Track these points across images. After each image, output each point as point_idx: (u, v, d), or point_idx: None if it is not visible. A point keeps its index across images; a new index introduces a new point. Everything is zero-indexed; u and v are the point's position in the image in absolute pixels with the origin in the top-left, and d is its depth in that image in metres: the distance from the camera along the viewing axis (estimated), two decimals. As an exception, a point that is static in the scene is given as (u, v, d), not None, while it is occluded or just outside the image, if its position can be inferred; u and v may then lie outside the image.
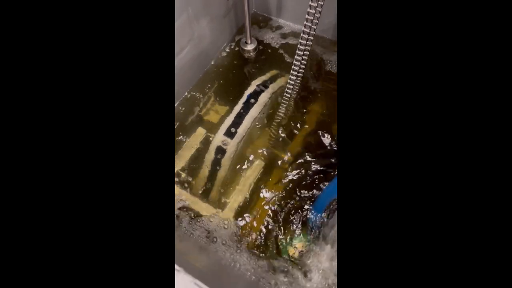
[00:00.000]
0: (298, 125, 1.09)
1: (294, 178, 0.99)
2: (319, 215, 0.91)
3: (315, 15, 0.79)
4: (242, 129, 1.04)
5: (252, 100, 1.11)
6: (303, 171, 1.00)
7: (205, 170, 1.00)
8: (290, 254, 0.87)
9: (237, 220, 0.93)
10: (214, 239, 0.89)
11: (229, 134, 1.02)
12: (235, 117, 1.06)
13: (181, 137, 1.09)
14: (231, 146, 1.00)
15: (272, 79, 1.19)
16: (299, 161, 1.02)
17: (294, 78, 1.00)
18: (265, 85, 1.16)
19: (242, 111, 1.08)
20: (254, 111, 1.08)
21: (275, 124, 1.10)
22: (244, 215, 0.94)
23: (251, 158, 1.04)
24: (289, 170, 1.00)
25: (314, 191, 0.96)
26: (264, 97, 1.11)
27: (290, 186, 0.98)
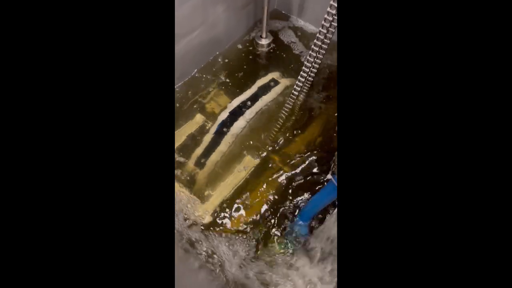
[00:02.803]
0: (298, 131, 1.07)
1: (284, 183, 0.97)
2: (304, 224, 0.88)
3: (332, 23, 0.76)
4: (210, 162, 0.98)
5: (225, 129, 1.03)
6: (295, 176, 0.98)
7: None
8: (264, 260, 0.85)
9: (217, 214, 0.91)
10: (191, 233, 0.88)
11: (199, 164, 0.98)
12: (205, 149, 1.00)
13: (178, 121, 1.08)
14: (200, 177, 0.96)
15: (266, 89, 1.13)
16: (292, 166, 0.99)
17: (303, 80, 0.97)
18: (245, 105, 1.08)
19: (212, 140, 1.01)
20: (224, 144, 1.00)
21: (276, 125, 1.08)
22: (226, 211, 0.92)
23: (243, 155, 1.02)
24: (281, 174, 0.98)
25: (303, 198, 0.94)
26: (237, 127, 1.03)
27: (278, 190, 0.96)
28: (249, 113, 1.08)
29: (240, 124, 1.05)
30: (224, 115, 1.07)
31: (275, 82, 1.17)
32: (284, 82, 1.17)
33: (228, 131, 1.03)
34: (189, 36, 1.02)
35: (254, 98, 1.12)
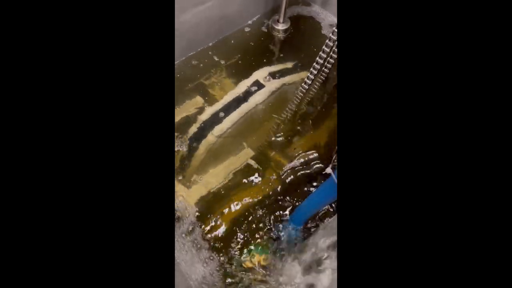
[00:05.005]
0: (304, 130, 0.99)
1: (280, 182, 0.89)
2: (296, 228, 0.80)
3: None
4: (188, 173, 0.91)
5: (195, 144, 0.94)
6: (292, 176, 0.90)
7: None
8: (246, 265, 0.78)
9: (200, 206, 0.86)
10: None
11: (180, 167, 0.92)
12: (180, 163, 0.92)
13: (176, 100, 1.01)
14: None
15: (246, 95, 1.02)
16: (291, 166, 0.92)
17: (312, 77, 0.90)
18: (217, 117, 0.98)
19: (186, 155, 0.92)
20: (195, 160, 0.92)
21: (279, 121, 1.00)
22: (211, 205, 0.86)
23: (241, 146, 0.95)
24: (278, 173, 0.91)
25: (299, 198, 0.86)
26: (207, 143, 0.94)
27: (272, 189, 0.88)
28: (218, 130, 0.97)
29: (209, 140, 0.95)
30: (193, 129, 0.97)
31: (259, 86, 1.05)
32: (270, 85, 1.05)
33: (197, 147, 0.94)
34: (200, 7, 0.94)
35: (228, 108, 1.01)
